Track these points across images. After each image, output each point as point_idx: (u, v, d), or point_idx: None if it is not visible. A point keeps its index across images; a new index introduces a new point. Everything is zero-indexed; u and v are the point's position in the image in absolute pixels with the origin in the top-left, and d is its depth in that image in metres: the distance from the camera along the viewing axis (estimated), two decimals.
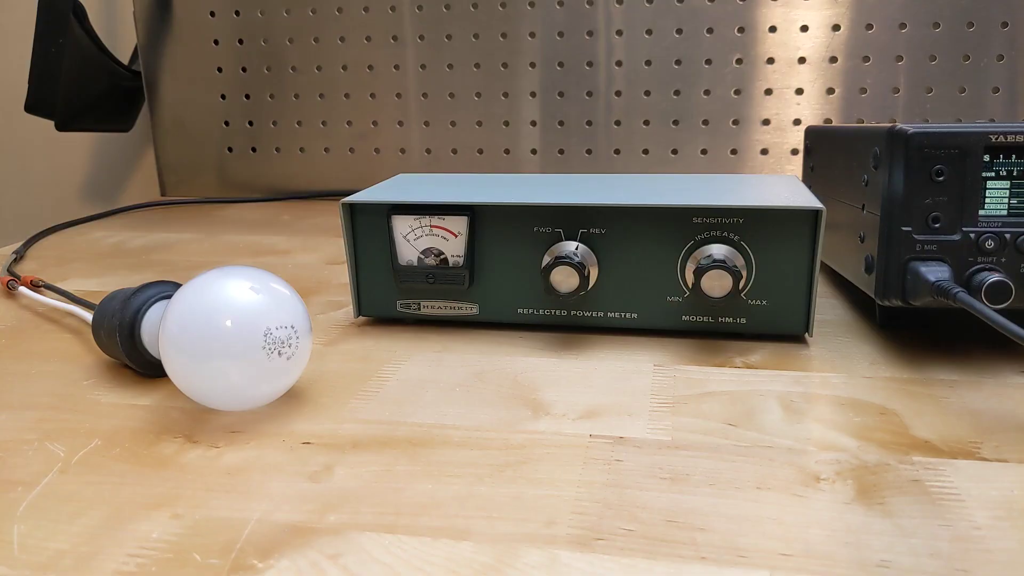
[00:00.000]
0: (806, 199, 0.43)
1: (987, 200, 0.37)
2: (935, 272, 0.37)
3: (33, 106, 0.89)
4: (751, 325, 0.43)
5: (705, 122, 0.88)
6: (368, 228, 0.46)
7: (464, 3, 0.90)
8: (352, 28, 0.94)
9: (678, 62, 0.87)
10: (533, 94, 0.92)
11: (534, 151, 0.93)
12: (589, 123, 0.91)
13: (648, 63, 0.88)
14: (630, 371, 0.40)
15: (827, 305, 0.50)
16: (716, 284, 0.40)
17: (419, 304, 0.47)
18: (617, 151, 0.91)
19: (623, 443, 0.32)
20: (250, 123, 0.99)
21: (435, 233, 0.45)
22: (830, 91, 0.85)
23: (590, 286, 0.43)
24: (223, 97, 0.99)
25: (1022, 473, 0.30)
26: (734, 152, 0.89)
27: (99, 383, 0.40)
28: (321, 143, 0.98)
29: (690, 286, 0.43)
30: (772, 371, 0.39)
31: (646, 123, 0.90)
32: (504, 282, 0.45)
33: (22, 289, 0.55)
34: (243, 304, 0.33)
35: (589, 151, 0.92)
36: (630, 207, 0.43)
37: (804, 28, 0.84)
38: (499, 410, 0.36)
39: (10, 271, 0.62)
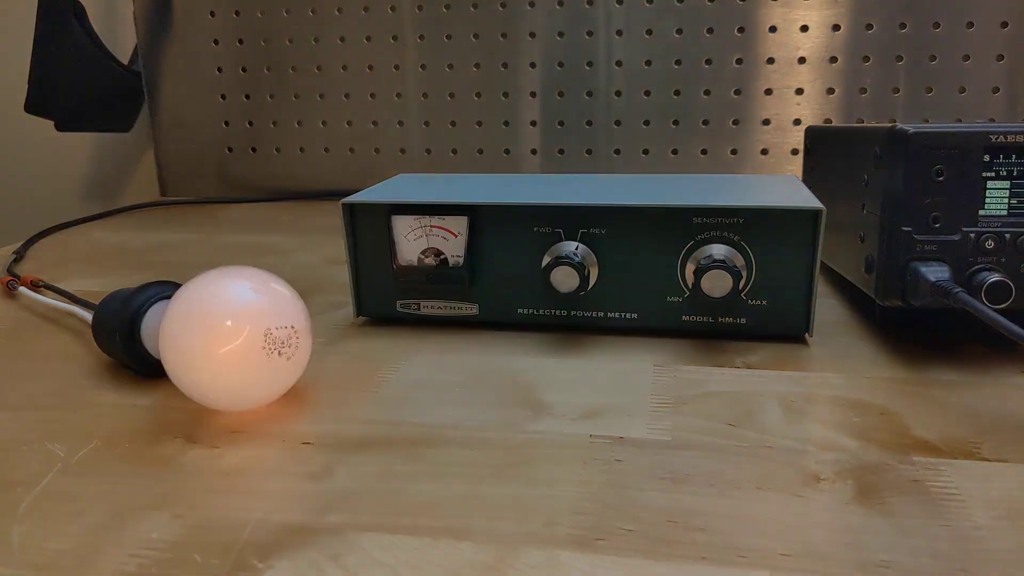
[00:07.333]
0: (806, 199, 0.43)
1: (987, 200, 0.37)
2: (935, 272, 0.37)
3: (33, 106, 0.89)
4: (751, 325, 0.43)
5: (705, 122, 0.88)
6: (368, 228, 0.46)
7: (464, 3, 0.90)
8: (352, 28, 0.94)
9: (678, 62, 0.87)
10: (533, 94, 0.92)
11: (534, 151, 0.93)
12: (589, 123, 0.91)
13: (648, 63, 0.88)
14: (630, 371, 0.40)
15: (827, 305, 0.50)
16: (716, 284, 0.40)
17: (419, 304, 0.47)
18: (617, 151, 0.91)
19: (623, 443, 0.32)
20: (250, 123, 0.99)
21: (435, 233, 0.45)
22: (830, 91, 0.85)
23: (590, 286, 0.43)
24: (223, 97, 0.99)
25: (1022, 473, 0.30)
26: (734, 152, 0.89)
27: (99, 383, 0.40)
28: (321, 143, 0.98)
29: (690, 286, 0.43)
30: (772, 371, 0.39)
31: (646, 123, 0.90)
32: (504, 282, 0.45)
33: (22, 289, 0.54)
34: (243, 304, 0.33)
35: (589, 151, 0.92)
36: (630, 207, 0.43)
37: (804, 28, 0.84)
38: (499, 410, 0.36)
39: (10, 271, 0.62)
